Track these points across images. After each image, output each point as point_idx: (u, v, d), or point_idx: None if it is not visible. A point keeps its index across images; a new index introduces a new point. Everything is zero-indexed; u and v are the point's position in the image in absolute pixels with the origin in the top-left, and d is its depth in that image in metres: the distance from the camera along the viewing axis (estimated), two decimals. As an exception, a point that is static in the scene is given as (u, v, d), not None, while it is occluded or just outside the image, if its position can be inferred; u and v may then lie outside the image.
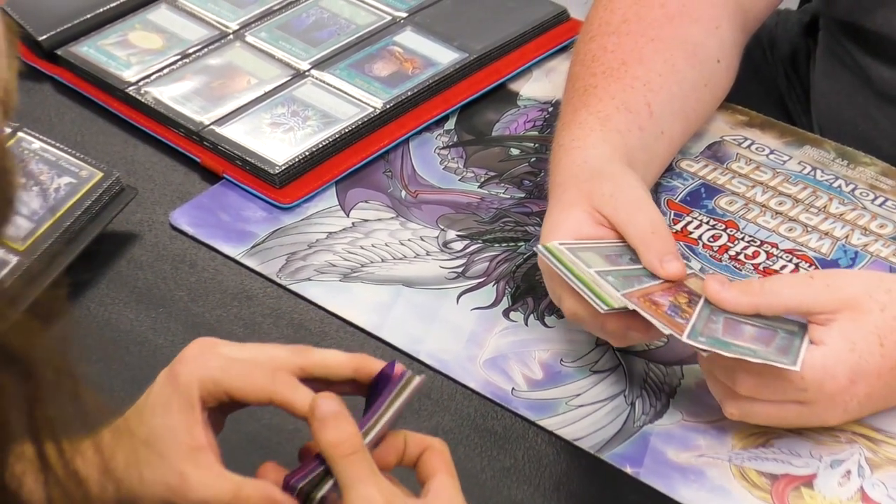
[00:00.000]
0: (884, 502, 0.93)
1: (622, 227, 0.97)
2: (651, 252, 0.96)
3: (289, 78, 1.19)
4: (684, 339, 0.91)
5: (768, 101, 1.28)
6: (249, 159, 1.12)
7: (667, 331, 0.91)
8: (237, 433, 0.95)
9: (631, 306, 0.92)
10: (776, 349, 0.92)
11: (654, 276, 0.96)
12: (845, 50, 1.24)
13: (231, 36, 1.23)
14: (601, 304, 0.93)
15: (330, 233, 1.09)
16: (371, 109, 1.16)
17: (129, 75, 1.18)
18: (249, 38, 1.22)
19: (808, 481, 0.94)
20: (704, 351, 0.91)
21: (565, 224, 0.97)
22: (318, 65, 1.20)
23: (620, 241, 0.98)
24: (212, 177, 1.13)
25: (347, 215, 1.11)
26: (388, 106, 1.17)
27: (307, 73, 1.19)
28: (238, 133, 1.14)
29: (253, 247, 1.08)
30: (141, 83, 1.18)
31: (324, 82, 1.19)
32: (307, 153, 1.12)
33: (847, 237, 1.10)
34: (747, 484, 0.94)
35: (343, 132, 1.14)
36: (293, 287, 1.05)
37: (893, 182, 1.14)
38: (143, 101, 1.16)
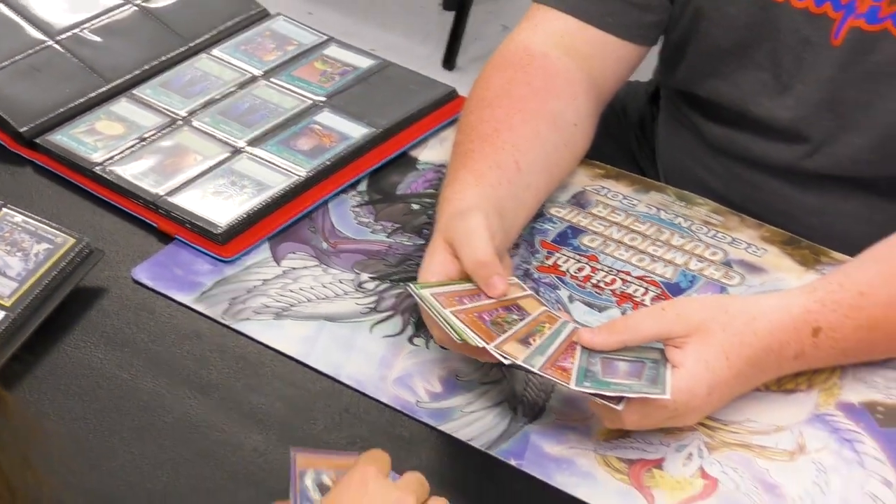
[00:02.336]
0: (719, 477, 0.95)
1: (460, 260, 0.98)
2: (477, 279, 0.97)
3: (228, 154, 1.19)
4: (572, 386, 0.92)
5: (623, 159, 1.30)
6: (197, 223, 1.12)
7: (563, 387, 0.91)
8: (189, 449, 0.96)
9: (546, 375, 0.92)
10: (647, 380, 0.93)
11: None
12: (683, 113, 1.27)
13: (180, 121, 1.23)
14: (456, 335, 0.94)
15: (265, 280, 1.09)
16: (297, 177, 1.16)
17: (97, 157, 1.18)
18: (195, 123, 1.22)
19: (658, 463, 0.96)
20: (591, 395, 0.92)
21: (432, 266, 0.99)
22: (253, 142, 1.20)
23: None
24: (166, 238, 1.13)
25: (279, 265, 1.11)
26: (310, 174, 1.16)
27: (243, 150, 1.19)
28: (187, 201, 1.14)
29: (201, 294, 1.08)
30: (106, 163, 1.18)
31: (257, 156, 1.18)
32: (244, 215, 1.12)
33: (686, 264, 1.11)
34: (609, 469, 0.95)
35: (274, 197, 1.14)
36: (235, 326, 1.05)
37: (723, 218, 1.16)
38: (108, 178, 1.16)
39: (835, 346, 0.98)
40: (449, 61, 2.63)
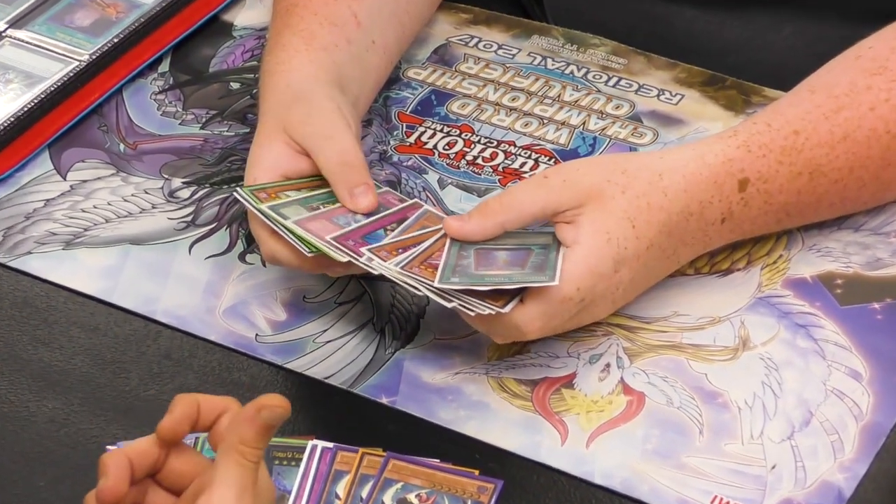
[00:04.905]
0: (645, 390, 0.93)
1: (314, 159, 0.95)
2: (340, 185, 0.95)
3: (-14, 42, 1.15)
4: (435, 283, 0.88)
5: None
6: (-48, 134, 1.07)
7: (425, 288, 0.88)
8: None
9: (403, 276, 0.89)
10: (532, 268, 0.89)
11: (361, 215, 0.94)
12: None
13: (-76, 10, 1.18)
14: (305, 248, 0.91)
15: (47, 200, 1.06)
16: (77, 63, 1.13)
17: None
18: (-59, 10, 1.18)
19: (569, 381, 0.94)
20: (460, 293, 0.87)
21: (265, 160, 0.96)
22: (15, 23, 1.16)
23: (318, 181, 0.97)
24: (-83, 160, 1.08)
25: (64, 178, 1.08)
26: (94, 56, 1.13)
27: (4, 34, 1.15)
28: (-62, 108, 1.09)
29: (-34, 227, 1.04)
30: None
31: (22, 41, 1.15)
32: (13, 119, 1.09)
33: (584, 124, 1.09)
34: (507, 395, 0.93)
35: (49, 91, 1.11)
36: (13, 263, 1.02)
37: (625, 60, 1.14)
38: None
39: (770, 202, 0.96)
40: None
